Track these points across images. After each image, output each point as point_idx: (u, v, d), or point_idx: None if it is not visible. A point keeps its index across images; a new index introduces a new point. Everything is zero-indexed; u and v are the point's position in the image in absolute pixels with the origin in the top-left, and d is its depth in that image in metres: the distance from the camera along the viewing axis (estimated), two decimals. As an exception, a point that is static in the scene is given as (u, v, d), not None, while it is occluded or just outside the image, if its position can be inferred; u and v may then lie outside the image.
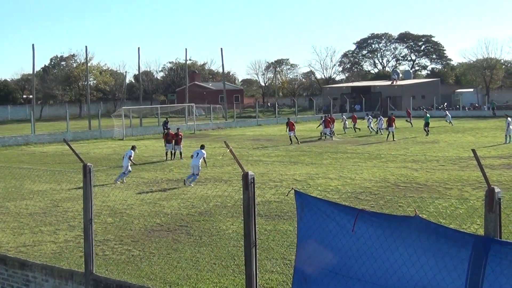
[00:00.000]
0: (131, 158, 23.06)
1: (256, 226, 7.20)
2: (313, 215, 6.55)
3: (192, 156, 22.65)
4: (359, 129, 48.93)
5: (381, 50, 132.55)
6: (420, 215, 5.69)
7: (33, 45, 51.18)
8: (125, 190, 19.87)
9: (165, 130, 47.58)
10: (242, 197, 7.13)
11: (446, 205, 16.41)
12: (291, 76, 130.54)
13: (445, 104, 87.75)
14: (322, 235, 6.42)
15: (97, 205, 16.32)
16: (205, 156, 22.58)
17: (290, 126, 38.54)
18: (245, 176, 6.98)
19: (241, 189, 7.12)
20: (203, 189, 20.04)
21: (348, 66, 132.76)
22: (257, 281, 7.23)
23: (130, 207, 17.22)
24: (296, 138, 38.38)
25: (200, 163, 21.97)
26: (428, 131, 43.51)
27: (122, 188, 20.48)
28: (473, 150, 5.55)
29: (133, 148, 24.24)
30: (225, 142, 7.47)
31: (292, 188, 7.10)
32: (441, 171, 23.63)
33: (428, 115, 46.91)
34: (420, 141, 38.37)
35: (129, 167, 22.89)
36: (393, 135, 39.44)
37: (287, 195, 16.32)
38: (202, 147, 23.22)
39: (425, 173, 23.14)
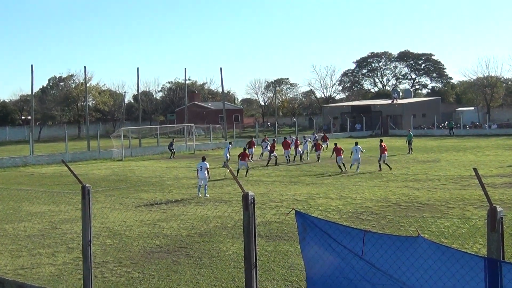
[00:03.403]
0: (208, 169, 24.25)
1: (257, 247, 7.18)
2: (316, 234, 6.55)
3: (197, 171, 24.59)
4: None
5: (381, 69, 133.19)
6: (422, 235, 5.69)
7: (31, 65, 51.41)
8: (124, 211, 19.82)
9: (171, 151, 48.06)
10: (242, 218, 7.11)
11: (448, 224, 16.37)
12: (291, 96, 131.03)
13: (446, 122, 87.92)
14: (325, 253, 6.41)
15: (96, 227, 16.27)
16: (207, 167, 24.34)
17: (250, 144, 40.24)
18: (245, 196, 6.98)
19: (241, 209, 7.11)
20: (203, 209, 20.00)
21: (348, 85, 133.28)
22: (258, 303, 7.19)
23: (129, 228, 17.17)
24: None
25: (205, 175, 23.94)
26: (411, 149, 44.28)
27: (121, 209, 20.44)
28: (475, 169, 5.56)
29: (204, 159, 25.22)
30: (224, 162, 7.49)
31: (293, 209, 7.09)
32: (442, 190, 23.60)
33: (411, 133, 47.56)
34: (421, 160, 38.36)
35: (207, 175, 24.02)
36: (379, 165, 32.46)
37: (287, 215, 16.28)
38: (203, 159, 25.14)
39: (427, 192, 23.11)
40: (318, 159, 39.19)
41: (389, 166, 32.11)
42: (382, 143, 33.40)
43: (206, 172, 23.83)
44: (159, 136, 59.83)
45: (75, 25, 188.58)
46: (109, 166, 41.22)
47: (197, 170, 24.30)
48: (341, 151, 32.78)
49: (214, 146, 59.00)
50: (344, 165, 32.34)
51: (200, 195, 23.51)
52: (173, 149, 48.56)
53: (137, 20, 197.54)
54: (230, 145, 41.34)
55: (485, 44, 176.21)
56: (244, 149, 32.98)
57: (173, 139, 52.03)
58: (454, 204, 20.09)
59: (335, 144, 34.69)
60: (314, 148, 41.78)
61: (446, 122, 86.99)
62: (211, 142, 61.25)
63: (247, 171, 31.10)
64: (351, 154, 32.50)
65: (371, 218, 17.65)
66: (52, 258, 13.95)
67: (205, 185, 23.78)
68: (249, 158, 32.31)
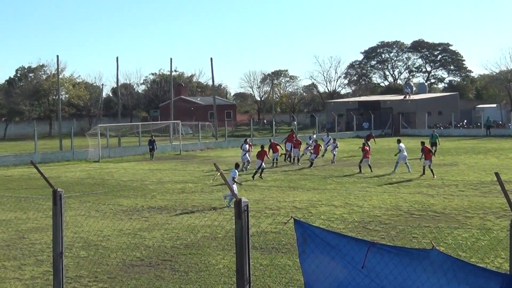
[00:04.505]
0: (235, 178, 23.50)
1: (251, 260, 7.17)
2: (317, 246, 6.56)
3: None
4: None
5: (392, 60, 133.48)
6: (437, 248, 5.69)
7: (-3, 54, 51.29)
8: (100, 220, 19.80)
9: (152, 152, 47.72)
10: (234, 227, 7.11)
11: (466, 236, 16.40)
12: (290, 90, 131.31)
13: (465, 121, 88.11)
14: (328, 268, 6.41)
15: (69, 237, 16.23)
16: (235, 177, 23.63)
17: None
18: (238, 203, 6.98)
19: (233, 218, 7.11)
20: (189, 218, 19.99)
21: (355, 78, 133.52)
22: (252, 323, 7.19)
23: (106, 238, 17.15)
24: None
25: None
26: (435, 151, 43.67)
27: (97, 217, 20.43)
28: (497, 174, 5.58)
29: (237, 166, 24.68)
30: (214, 164, 7.48)
31: (292, 217, 7.09)
32: (460, 197, 23.66)
33: (436, 134, 46.33)
34: (437, 163, 38.38)
35: (235, 188, 22.92)
36: (431, 171, 30.81)
37: (285, 225, 16.28)
38: (237, 166, 24.63)
39: (443, 199, 23.16)
40: (311, 165, 37.50)
41: (423, 172, 30.95)
42: (425, 146, 32.25)
43: (232, 181, 23.06)
44: (141, 134, 59.72)
45: (46, 9, 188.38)
46: (84, 168, 41.17)
47: None
48: (369, 153, 34.07)
49: (204, 146, 58.98)
50: (370, 166, 33.62)
51: (228, 204, 22.71)
52: (153, 148, 47.89)
53: (116, 4, 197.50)
54: (248, 145, 37.68)
55: (509, 34, 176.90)
56: (262, 147, 33.52)
57: (152, 136, 50.42)
58: (473, 213, 20.13)
59: (363, 144, 35.04)
60: (313, 150, 40.02)
61: (467, 120, 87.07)
62: (200, 141, 61.20)
63: (256, 172, 31.09)
64: (398, 153, 33.46)
65: (380, 229, 17.67)
66: (19, 271, 13.91)
67: (230, 195, 22.87)
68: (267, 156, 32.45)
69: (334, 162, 39.05)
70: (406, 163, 32.98)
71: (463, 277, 5.41)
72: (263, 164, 31.80)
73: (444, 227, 17.74)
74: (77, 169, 40.48)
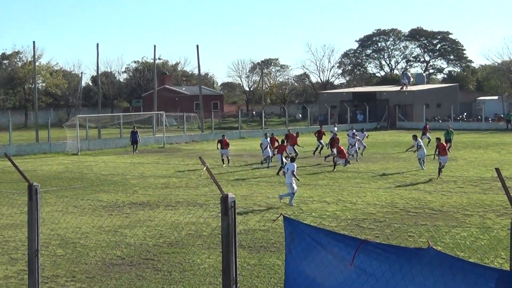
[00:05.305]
0: (294, 172, 22.64)
1: (237, 259, 7.18)
2: (306, 246, 6.56)
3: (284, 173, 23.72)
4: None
5: (389, 49, 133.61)
6: (434, 247, 5.71)
7: (-31, 39, 50.99)
8: (79, 216, 19.74)
9: (134, 146, 47.44)
10: (220, 225, 7.11)
11: (465, 234, 16.49)
12: (281, 80, 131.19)
13: (465, 114, 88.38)
14: (316, 270, 6.42)
15: (45, 234, 16.20)
16: (294, 170, 22.73)
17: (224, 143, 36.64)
18: (224, 199, 6.98)
19: (219, 215, 7.11)
20: (173, 214, 19.96)
21: (349, 68, 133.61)
22: (238, 326, 7.21)
23: (85, 236, 17.11)
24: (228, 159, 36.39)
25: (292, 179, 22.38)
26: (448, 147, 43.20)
27: (75, 213, 20.37)
28: (497, 169, 5.60)
29: (292, 159, 24.14)
30: (200, 158, 7.48)
31: (281, 214, 7.10)
32: (459, 194, 23.76)
33: (452, 129, 45.00)
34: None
35: (294, 185, 22.27)
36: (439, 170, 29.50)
37: (274, 222, 16.32)
38: (293, 159, 24.10)
39: (441, 196, 23.25)
40: (335, 165, 33.52)
41: (439, 173, 29.23)
42: (441, 143, 31.02)
43: (291, 176, 22.36)
44: (122, 126, 59.53)
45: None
46: (62, 161, 41.03)
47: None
48: (344, 153, 32.77)
49: (189, 139, 58.89)
50: (335, 165, 32.51)
51: (291, 203, 22.21)
52: (136, 141, 47.49)
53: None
54: (268, 139, 36.13)
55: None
56: (283, 141, 33.57)
57: (134, 128, 49.79)
58: (473, 210, 20.23)
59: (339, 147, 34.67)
60: (329, 146, 37.99)
61: (467, 113, 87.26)
62: (184, 134, 61.13)
63: (281, 168, 30.35)
64: (416, 149, 32.31)
65: (374, 227, 17.73)
66: (-8, 271, 13.87)
67: (291, 192, 22.25)
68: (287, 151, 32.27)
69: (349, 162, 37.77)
70: (422, 159, 32.05)
71: (461, 277, 5.43)
72: (283, 158, 31.27)
73: (441, 225, 17.81)
74: (54, 162, 40.34)
